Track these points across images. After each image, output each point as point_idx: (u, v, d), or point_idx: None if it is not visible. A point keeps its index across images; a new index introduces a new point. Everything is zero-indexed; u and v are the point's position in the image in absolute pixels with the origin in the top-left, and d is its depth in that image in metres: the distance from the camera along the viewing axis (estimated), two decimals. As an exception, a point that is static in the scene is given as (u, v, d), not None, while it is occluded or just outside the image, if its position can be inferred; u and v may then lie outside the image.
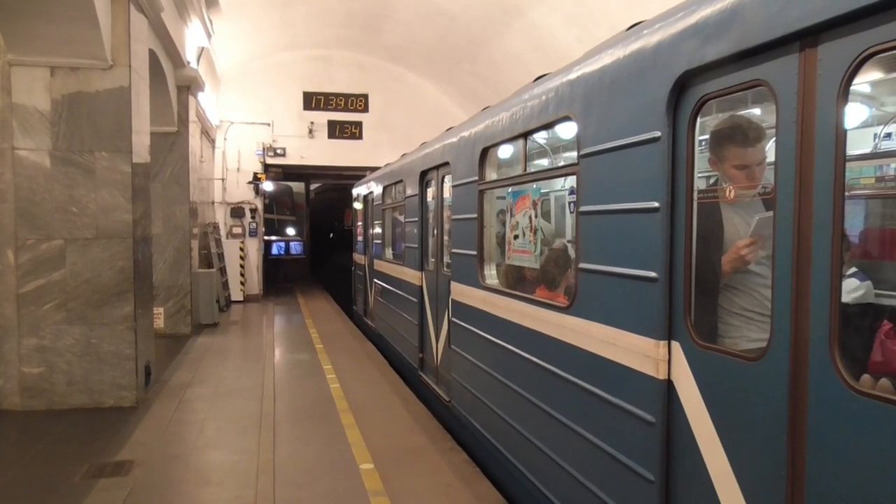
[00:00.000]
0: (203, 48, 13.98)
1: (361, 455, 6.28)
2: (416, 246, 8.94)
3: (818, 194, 2.44)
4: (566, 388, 4.26)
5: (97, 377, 7.76)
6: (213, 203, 18.52)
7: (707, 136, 3.42)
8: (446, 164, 7.39)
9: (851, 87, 2.34)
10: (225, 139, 19.25)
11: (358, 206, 15.59)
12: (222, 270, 17.48)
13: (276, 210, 31.57)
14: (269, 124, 19.43)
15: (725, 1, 2.86)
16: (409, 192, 9.37)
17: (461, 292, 6.67)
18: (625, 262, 3.59)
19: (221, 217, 19.19)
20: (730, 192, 3.24)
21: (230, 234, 19.29)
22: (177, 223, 12.68)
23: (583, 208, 4.08)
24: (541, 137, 5.55)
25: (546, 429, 4.58)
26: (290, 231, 32.21)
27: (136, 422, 7.30)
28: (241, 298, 19.02)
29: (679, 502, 3.20)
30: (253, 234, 19.71)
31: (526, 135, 5.20)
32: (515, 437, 5.18)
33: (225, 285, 17.59)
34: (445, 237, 7.68)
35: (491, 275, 6.13)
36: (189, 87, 12.71)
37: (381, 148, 18.94)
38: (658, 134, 3.29)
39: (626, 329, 3.57)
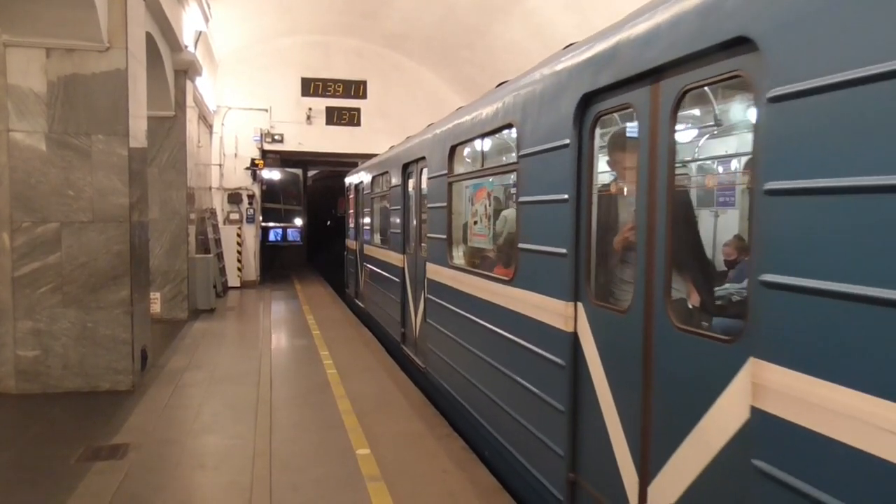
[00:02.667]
0: (201, 32, 13.88)
1: (358, 440, 6.28)
2: (398, 231, 9.91)
3: (659, 189, 3.35)
4: (508, 345, 5.25)
5: (93, 361, 7.75)
6: (210, 189, 18.47)
7: (606, 144, 4.34)
8: (423, 158, 8.35)
9: (679, 112, 3.29)
10: (222, 125, 19.17)
11: (350, 194, 16.40)
12: (219, 256, 17.45)
13: (283, 199, 31.50)
14: (266, 110, 19.35)
15: (610, 41, 3.80)
16: (394, 182, 10.31)
17: (434, 271, 7.67)
18: (547, 242, 4.54)
19: (219, 203, 19.15)
20: (617, 187, 4.15)
21: (227, 220, 19.26)
22: (174, 208, 12.63)
23: (520, 199, 5.03)
24: (495, 139, 6.36)
25: (494, 380, 5.62)
26: (298, 221, 32.10)
27: (132, 406, 7.30)
28: (238, 284, 18.99)
29: (580, 425, 4.22)
30: (250, 220, 19.67)
31: (483, 136, 6.23)
32: (473, 391, 6.21)
33: (222, 271, 17.56)
34: (423, 223, 8.56)
35: (458, 255, 7.13)
36: (186, 71, 12.63)
37: (379, 135, 18.89)
38: (567, 141, 4.22)
39: (548, 295, 4.53)
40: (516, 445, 5.19)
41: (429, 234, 7.93)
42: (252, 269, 19.82)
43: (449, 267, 7.04)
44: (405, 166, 9.55)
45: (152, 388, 8.07)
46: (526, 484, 5.01)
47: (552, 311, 4.45)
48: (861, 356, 2.20)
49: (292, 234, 31.88)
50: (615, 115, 4.01)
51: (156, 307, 11.99)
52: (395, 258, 10.24)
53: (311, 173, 32.45)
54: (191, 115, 13.27)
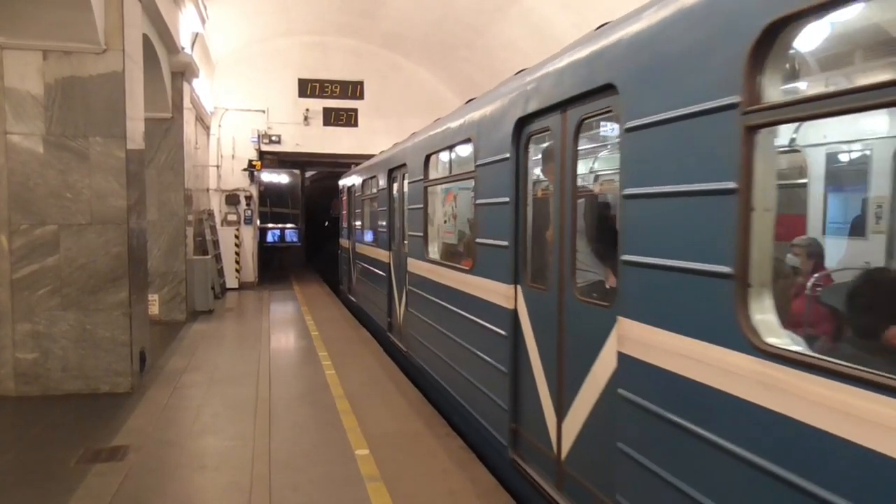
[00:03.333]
0: (197, 34, 13.88)
1: (357, 441, 6.29)
2: (385, 230, 10.92)
3: (566, 194, 4.37)
4: (468, 323, 6.30)
5: (92, 363, 7.75)
6: (208, 190, 18.46)
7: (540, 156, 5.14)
8: (405, 164, 9.30)
9: (580, 135, 4.28)
10: (220, 126, 19.17)
11: (343, 196, 17.40)
12: (217, 257, 17.45)
13: (290, 204, 31.42)
14: (264, 111, 19.35)
15: (536, 77, 4.85)
16: (381, 185, 11.31)
17: (414, 265, 8.65)
18: (495, 236, 5.56)
19: (216, 204, 19.14)
20: (544, 192, 5.03)
21: (225, 222, 19.26)
22: (172, 210, 12.63)
23: (477, 201, 6.06)
24: (459, 150, 7.10)
25: (458, 354, 6.65)
26: (296, 223, 32.03)
27: (132, 408, 7.30)
28: (237, 285, 19.00)
29: (519, 384, 5.21)
30: (248, 221, 19.67)
31: (450, 147, 7.18)
32: (442, 365, 7.27)
33: (220, 272, 17.56)
34: (406, 223, 9.40)
35: (433, 251, 8.07)
36: (183, 73, 12.63)
37: (377, 135, 18.90)
38: (508, 155, 5.27)
39: (496, 280, 5.56)
40: (474, 405, 6.21)
41: (409, 232, 8.95)
42: (250, 270, 19.82)
43: (425, 261, 8.02)
44: (390, 171, 10.50)
45: (151, 389, 8.08)
46: (481, 436, 6.10)
47: (499, 292, 5.49)
48: (679, 310, 3.11)
49: (290, 235, 31.85)
50: (540, 135, 4.93)
51: (154, 309, 11.99)
52: (382, 255, 11.18)
53: (308, 174, 32.42)
54: (188, 116, 13.27)
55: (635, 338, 3.46)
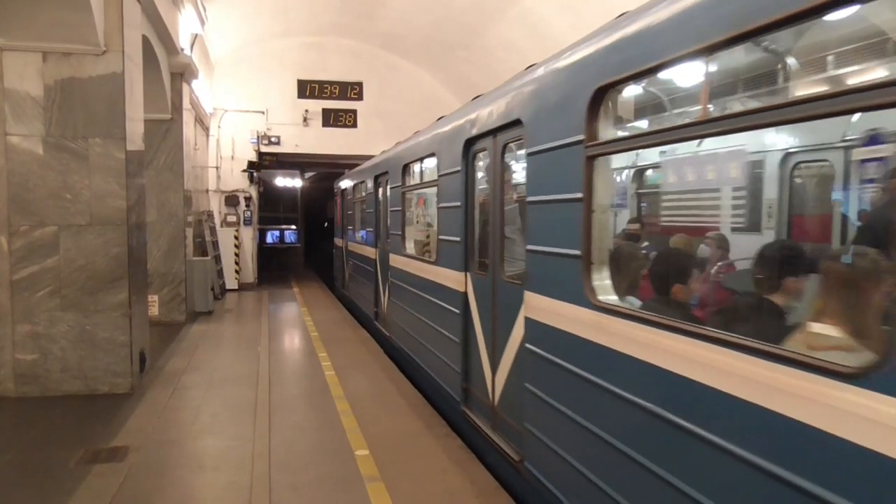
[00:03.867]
0: (196, 35, 13.88)
1: (357, 441, 6.30)
2: (372, 230, 12.32)
3: (496, 202, 5.73)
4: (431, 304, 7.62)
5: (91, 364, 7.76)
6: (207, 191, 18.46)
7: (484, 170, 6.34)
8: (387, 172, 10.66)
9: (506, 156, 5.65)
10: (219, 127, 19.17)
11: (338, 198, 18.72)
12: (217, 258, 17.45)
13: (281, 210, 31.45)
14: (263, 112, 19.36)
15: (479, 106, 6.13)
16: (369, 189, 12.61)
17: (394, 260, 9.98)
18: (451, 233, 6.92)
19: (216, 205, 19.14)
20: (484, 199, 6.25)
21: (224, 223, 19.26)
22: (171, 211, 12.64)
23: (440, 205, 7.41)
24: (428, 162, 8.39)
25: (426, 332, 7.96)
26: (295, 227, 32.04)
27: (131, 408, 7.31)
28: (236, 287, 19.00)
29: (468, 350, 6.51)
30: (247, 222, 19.67)
31: (421, 159, 8.57)
32: (413, 341, 8.65)
33: (219, 273, 17.56)
34: (388, 223, 10.58)
35: (409, 247, 9.34)
36: (183, 74, 12.64)
37: (376, 136, 18.92)
38: (459, 168, 6.59)
39: (452, 269, 6.91)
40: (438, 372, 7.50)
41: (391, 232, 10.19)
42: (250, 271, 19.83)
43: (403, 256, 9.32)
44: (376, 177, 11.81)
45: (151, 390, 8.09)
46: (441, 397, 7.44)
47: (453, 279, 6.82)
48: (554, 282, 4.42)
49: (290, 237, 31.85)
50: (481, 153, 6.22)
51: (154, 310, 11.99)
52: (369, 252, 12.65)
53: (307, 175, 32.41)
54: (187, 117, 13.28)
55: (534, 305, 4.77)
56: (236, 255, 19.25)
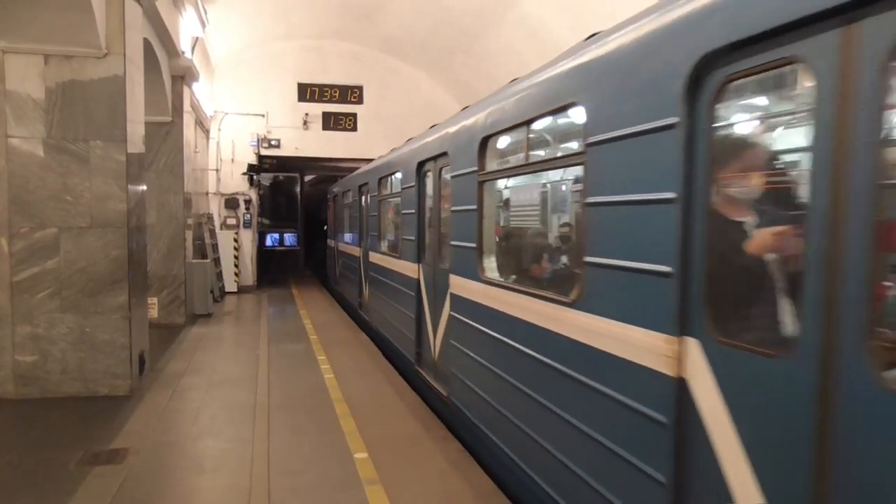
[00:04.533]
0: (197, 38, 13.92)
1: (356, 444, 6.32)
2: (357, 232, 14.50)
3: (435, 210, 7.78)
4: (397, 291, 9.40)
5: (91, 366, 7.77)
6: (207, 194, 18.47)
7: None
8: (367, 182, 12.84)
9: (442, 176, 7.50)
10: (219, 129, 19.19)
11: (330, 203, 20.55)
12: (216, 261, 17.46)
13: (280, 216, 31.45)
14: (263, 115, 19.38)
15: (428, 136, 8.03)
16: (354, 197, 14.83)
17: (373, 256, 12.01)
18: (408, 234, 8.87)
19: (216, 208, 19.15)
20: (430, 208, 8.11)
21: (224, 225, 19.27)
22: (171, 213, 12.65)
23: (402, 212, 9.35)
24: (395, 176, 10.36)
25: (394, 313, 9.81)
26: (294, 231, 32.03)
27: (131, 410, 7.32)
28: (236, 289, 19.00)
29: (420, 325, 8.39)
30: (247, 225, 19.69)
31: (390, 174, 10.73)
32: (386, 323, 10.70)
33: (219, 276, 17.57)
34: (368, 225, 12.70)
35: (383, 245, 11.38)
36: (183, 76, 12.67)
37: (376, 139, 18.93)
38: (414, 184, 8.51)
39: (406, 261, 8.96)
40: (399, 342, 9.53)
41: (370, 233, 12.38)
42: (249, 274, 19.84)
43: (379, 253, 11.48)
44: (359, 186, 13.79)
45: (150, 392, 8.10)
46: (402, 363, 9.43)
47: (411, 269, 8.79)
48: (464, 266, 6.23)
49: (289, 239, 31.83)
50: (427, 172, 8.16)
51: (153, 312, 11.99)
52: (355, 251, 14.80)
53: (308, 177, 32.41)
54: (188, 120, 13.30)
55: (455, 283, 6.65)
56: (236, 257, 19.26)
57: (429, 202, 8.13)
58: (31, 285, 7.59)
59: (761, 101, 3.60)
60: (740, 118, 3.42)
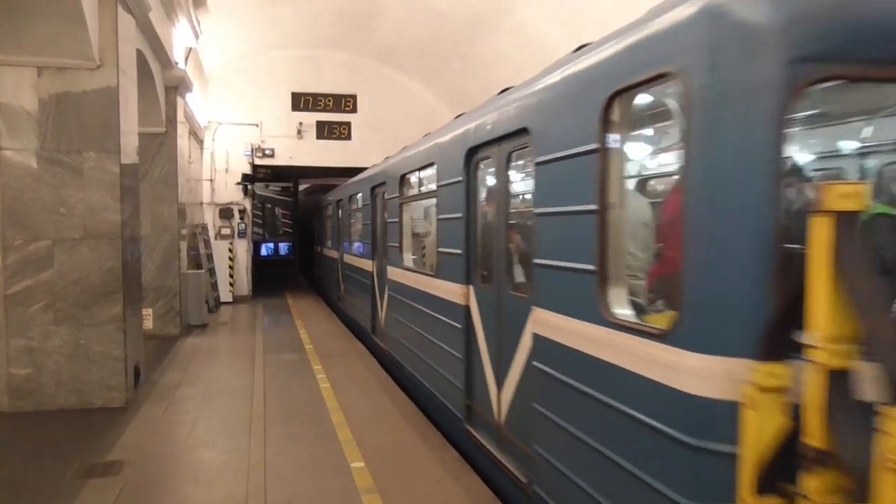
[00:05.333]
0: (191, 48, 13.94)
1: (352, 453, 6.30)
2: (335, 238, 17.53)
3: (377, 225, 11.42)
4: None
5: (86, 378, 7.73)
6: (201, 204, 18.46)
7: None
8: (341, 199, 16.06)
9: (385, 198, 10.66)
10: (213, 140, 19.19)
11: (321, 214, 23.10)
12: (211, 271, 17.43)
13: (275, 229, 31.51)
14: (257, 125, 19.39)
15: (378, 167, 11.89)
16: (332, 211, 18.00)
17: (347, 258, 14.98)
18: (364, 239, 12.66)
19: (210, 218, 19.12)
20: (384, 220, 10.82)
21: (219, 235, 19.23)
22: (165, 224, 12.63)
23: (362, 223, 12.76)
24: (359, 195, 13.42)
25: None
26: (289, 241, 32.06)
27: (126, 422, 7.29)
28: (231, 299, 18.96)
29: (374, 305, 11.65)
30: (242, 235, 19.66)
31: (356, 194, 13.56)
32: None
33: (214, 286, 17.54)
34: (342, 234, 16.16)
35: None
36: (177, 87, 12.67)
37: (371, 148, 18.93)
38: (369, 202, 11.98)
39: (366, 258, 12.25)
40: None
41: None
42: (244, 284, 19.80)
43: (349, 255, 14.67)
44: (337, 202, 16.96)
45: (146, 404, 8.06)
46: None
47: (365, 265, 12.12)
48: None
49: (284, 249, 31.79)
50: (378, 193, 11.05)
51: (148, 323, 11.95)
52: (333, 254, 17.69)
53: (302, 187, 32.41)
54: (182, 130, 13.30)
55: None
56: (231, 267, 19.22)
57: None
58: (25, 298, 7.56)
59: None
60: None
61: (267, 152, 19.49)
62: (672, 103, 4.37)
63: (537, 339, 4.61)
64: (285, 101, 19.48)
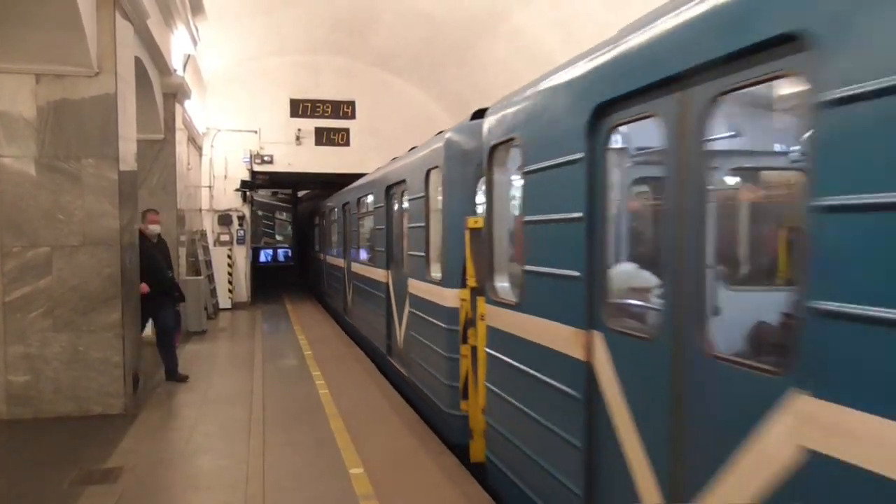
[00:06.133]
0: (189, 55, 13.96)
1: (351, 459, 6.29)
2: (322, 243, 20.61)
3: (350, 233, 15.05)
4: (336, 276, 15.25)
5: (85, 384, 7.72)
6: (200, 210, 18.45)
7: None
8: (335, 207, 17.35)
9: (357, 209, 14.34)
10: (212, 146, 19.20)
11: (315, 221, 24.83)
12: (210, 278, 17.41)
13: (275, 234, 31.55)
14: (256, 131, 19.40)
15: (351, 186, 15.45)
16: (318, 220, 21.49)
17: (330, 260, 18.21)
18: (337, 245, 17.22)
19: (209, 225, 19.12)
20: (360, 227, 14.29)
21: (218, 242, 19.22)
22: (164, 230, 12.58)
23: (336, 232, 17.50)
24: (335, 210, 16.74)
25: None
26: (287, 248, 32.06)
27: (125, 429, 7.27)
28: (230, 306, 18.94)
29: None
30: (241, 241, 19.66)
31: (334, 207, 17.52)
32: (339, 303, 14.85)
33: (213, 293, 17.52)
34: (327, 240, 18.94)
35: (334, 252, 16.35)
36: (175, 94, 12.69)
37: (369, 154, 18.93)
38: (342, 216, 16.08)
39: (340, 259, 15.87)
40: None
41: (327, 245, 18.42)
42: (243, 290, 19.79)
43: (331, 257, 17.23)
44: (322, 212, 19.91)
45: (145, 410, 8.05)
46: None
47: (339, 264, 16.04)
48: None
49: (283, 256, 31.82)
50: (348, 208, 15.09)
51: (147, 329, 11.92)
52: (322, 257, 20.27)
53: (301, 193, 32.46)
54: (180, 137, 13.31)
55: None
56: (230, 274, 19.21)
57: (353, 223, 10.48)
58: (24, 304, 7.56)
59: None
60: None
61: (266, 159, 19.51)
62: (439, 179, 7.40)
63: None
64: (284, 107, 19.51)
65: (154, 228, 9.72)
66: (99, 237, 7.72)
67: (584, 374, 3.72)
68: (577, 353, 3.79)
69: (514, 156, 5.03)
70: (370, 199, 11.59)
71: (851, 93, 2.09)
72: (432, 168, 7.57)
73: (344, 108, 19.82)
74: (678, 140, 2.97)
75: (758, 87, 2.68)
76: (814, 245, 2.26)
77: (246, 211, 19.85)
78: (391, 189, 10.23)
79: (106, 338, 7.76)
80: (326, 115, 19.74)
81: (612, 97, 3.49)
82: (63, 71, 7.55)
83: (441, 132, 7.80)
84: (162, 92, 12.13)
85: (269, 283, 27.44)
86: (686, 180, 2.94)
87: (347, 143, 19.92)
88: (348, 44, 18.74)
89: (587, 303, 3.71)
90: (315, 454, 6.49)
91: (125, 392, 7.88)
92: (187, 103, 14.13)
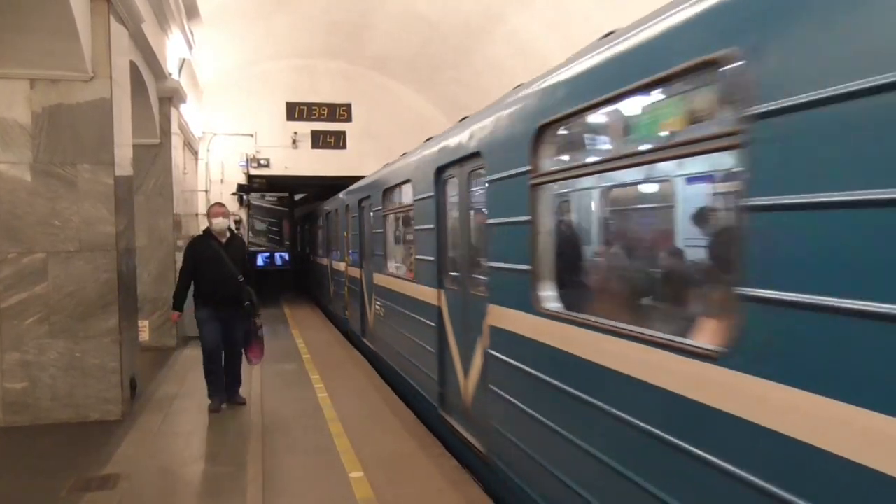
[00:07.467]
0: (185, 59, 13.93)
1: (351, 463, 6.25)
2: (313, 245, 21.39)
3: (332, 236, 17.06)
4: (352, 289, 12.69)
5: (82, 391, 7.68)
6: (197, 215, 18.38)
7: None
8: (330, 211, 17.25)
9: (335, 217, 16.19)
10: (208, 150, 19.19)
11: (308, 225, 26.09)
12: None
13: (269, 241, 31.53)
14: (252, 135, 19.40)
15: (333, 198, 17.06)
16: (321, 222, 19.32)
17: (333, 263, 16.61)
18: (320, 245, 19.82)
19: (206, 229, 19.04)
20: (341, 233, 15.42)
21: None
22: (161, 235, 12.60)
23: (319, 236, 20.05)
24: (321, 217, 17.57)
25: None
26: (285, 253, 32.00)
27: (122, 435, 7.23)
28: (227, 310, 18.84)
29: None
30: (238, 245, 19.57)
31: (324, 213, 18.34)
32: (325, 296, 17.03)
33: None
34: (319, 243, 19.74)
35: (321, 253, 17.75)
36: (171, 98, 12.66)
37: (366, 157, 18.95)
38: (325, 222, 18.33)
39: (336, 261, 15.96)
40: (333, 305, 15.05)
41: (317, 248, 19.18)
42: (241, 295, 19.68)
43: (318, 257, 18.81)
44: (326, 213, 18.05)
45: (142, 416, 8.01)
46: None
47: (339, 266, 15.33)
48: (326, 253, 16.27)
49: (280, 260, 31.75)
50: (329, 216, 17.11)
51: (144, 335, 11.87)
52: (324, 261, 18.58)
53: (298, 196, 32.35)
54: (176, 141, 13.28)
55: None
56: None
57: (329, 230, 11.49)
58: (20, 311, 7.51)
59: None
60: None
61: (262, 162, 19.52)
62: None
63: None
64: (280, 110, 19.51)
65: (219, 223, 8.21)
66: (95, 243, 7.68)
67: (437, 312, 6.98)
68: (434, 301, 7.07)
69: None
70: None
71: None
72: None
73: (340, 111, 19.81)
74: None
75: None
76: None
77: (243, 215, 19.81)
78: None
79: (103, 344, 7.72)
80: (322, 119, 19.74)
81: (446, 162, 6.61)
82: (58, 76, 7.51)
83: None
84: (157, 96, 12.10)
85: (267, 288, 27.34)
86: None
87: (344, 147, 19.91)
88: (344, 47, 18.73)
89: (438, 274, 6.94)
90: (315, 458, 6.45)
91: (123, 398, 7.85)
92: (183, 107, 14.10)
